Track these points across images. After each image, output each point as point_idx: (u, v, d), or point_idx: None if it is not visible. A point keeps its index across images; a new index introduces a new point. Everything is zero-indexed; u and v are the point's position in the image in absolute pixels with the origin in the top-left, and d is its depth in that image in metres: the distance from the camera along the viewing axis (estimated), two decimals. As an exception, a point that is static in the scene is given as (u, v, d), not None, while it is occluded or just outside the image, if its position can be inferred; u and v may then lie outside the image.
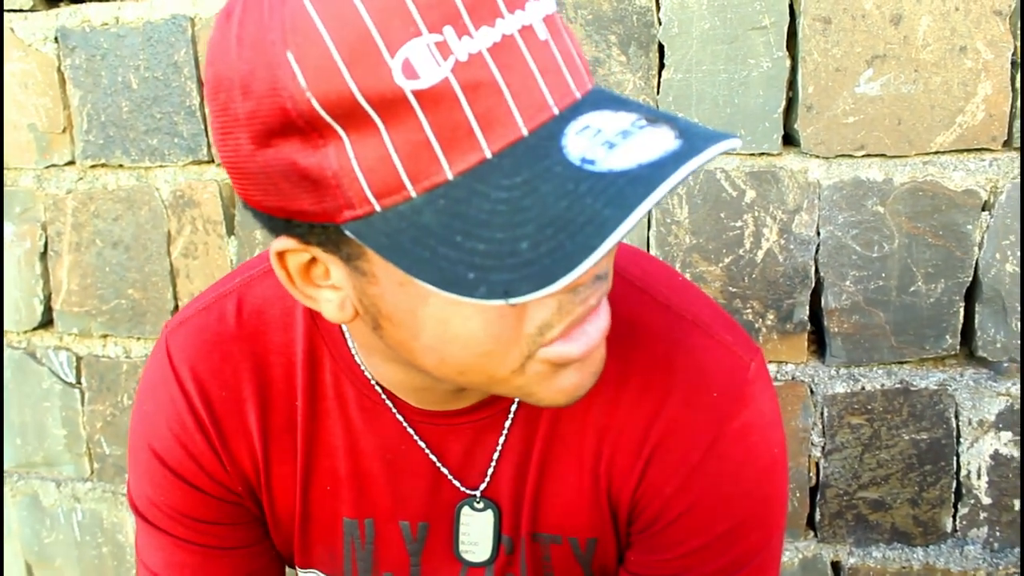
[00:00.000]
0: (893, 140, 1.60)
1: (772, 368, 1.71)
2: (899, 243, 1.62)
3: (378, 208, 0.61)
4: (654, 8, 1.63)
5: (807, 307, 1.68)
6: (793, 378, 1.71)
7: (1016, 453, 1.66)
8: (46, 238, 2.00)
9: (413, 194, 0.60)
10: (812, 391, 1.71)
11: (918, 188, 1.60)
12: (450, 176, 0.59)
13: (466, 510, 0.88)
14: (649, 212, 1.66)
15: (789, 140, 1.65)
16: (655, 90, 1.65)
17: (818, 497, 1.75)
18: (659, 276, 0.87)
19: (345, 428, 0.88)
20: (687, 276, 1.68)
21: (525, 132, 0.59)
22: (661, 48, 1.64)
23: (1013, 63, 1.55)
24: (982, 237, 1.61)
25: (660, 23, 1.63)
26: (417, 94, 0.57)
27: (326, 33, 0.57)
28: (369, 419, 0.88)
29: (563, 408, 0.82)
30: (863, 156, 1.61)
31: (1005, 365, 1.64)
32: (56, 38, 1.88)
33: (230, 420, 0.89)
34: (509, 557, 0.89)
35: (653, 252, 1.70)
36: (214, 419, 0.89)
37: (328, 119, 0.59)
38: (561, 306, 0.67)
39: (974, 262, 1.62)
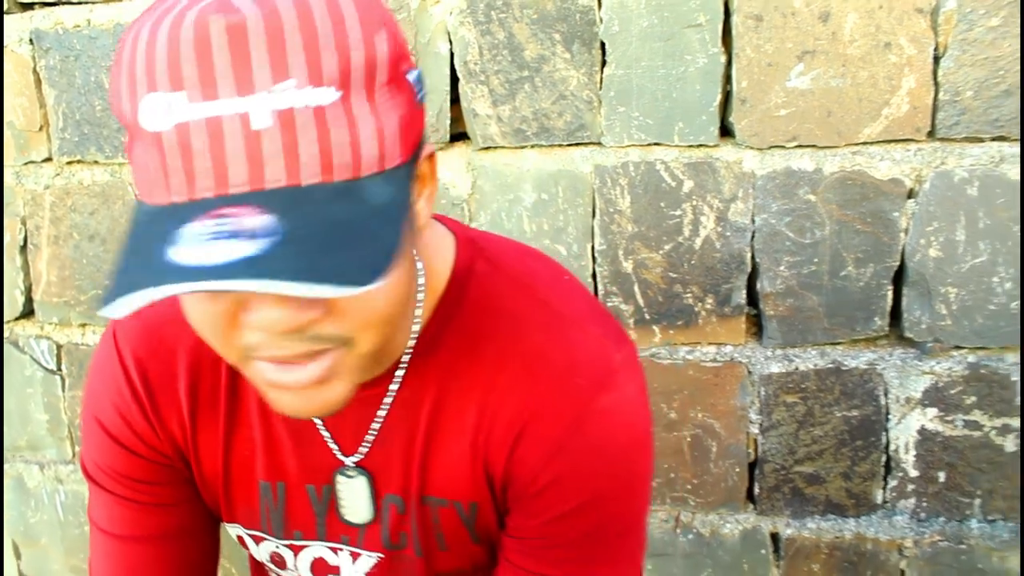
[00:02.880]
0: (823, 131, 1.57)
1: (712, 349, 1.69)
2: (830, 230, 1.60)
3: (144, 202, 0.65)
4: (596, 7, 1.60)
5: (744, 291, 1.65)
6: (732, 359, 1.68)
7: (941, 428, 1.64)
8: (26, 232, 1.96)
9: (145, 200, 0.65)
10: (750, 371, 1.68)
11: (847, 177, 1.58)
12: (150, 201, 0.64)
13: (340, 477, 0.91)
14: (594, 201, 1.63)
15: (725, 132, 1.62)
16: (598, 85, 1.62)
17: (756, 472, 1.72)
18: (543, 276, 0.89)
19: (259, 400, 0.90)
20: (630, 262, 1.65)
21: (192, 197, 0.61)
22: (603, 45, 1.61)
23: (935, 58, 1.52)
24: (908, 224, 1.58)
25: (601, 21, 1.60)
26: (144, 133, 0.62)
27: (124, 64, 0.63)
28: None
29: (449, 389, 0.85)
30: (795, 147, 1.59)
31: (929, 345, 1.61)
32: (31, 40, 1.84)
33: (163, 394, 0.92)
34: (401, 517, 0.91)
35: (598, 240, 1.67)
36: (149, 393, 0.92)
37: (124, 126, 0.65)
38: (260, 341, 0.68)
39: (901, 247, 1.59)
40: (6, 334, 2.04)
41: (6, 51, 1.86)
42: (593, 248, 1.68)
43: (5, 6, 1.83)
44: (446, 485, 0.88)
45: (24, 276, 1.99)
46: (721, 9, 1.56)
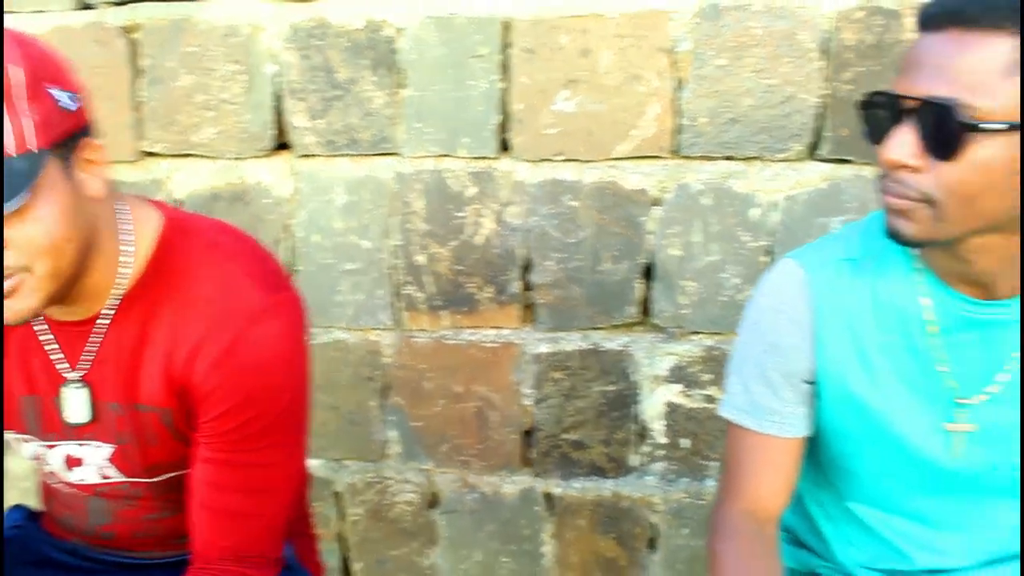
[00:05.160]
0: (584, 148, 1.74)
1: (492, 332, 1.84)
2: (590, 231, 1.77)
3: None
4: (397, 38, 1.75)
5: (518, 282, 1.81)
6: (508, 341, 1.84)
7: (684, 402, 1.81)
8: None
9: None
10: (523, 351, 1.84)
11: (604, 187, 1.75)
12: None
13: (67, 389, 1.11)
14: (393, 203, 1.78)
15: (504, 147, 1.78)
16: (398, 105, 1.78)
17: (531, 439, 1.87)
18: (225, 245, 1.11)
19: (19, 332, 1.11)
20: (423, 256, 1.80)
21: None
22: (403, 71, 1.77)
23: (676, 89, 1.70)
24: (654, 227, 1.76)
25: (401, 50, 1.75)
26: None
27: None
28: (34, 326, 1.11)
29: (149, 325, 1.07)
30: (561, 160, 1.75)
31: (672, 330, 1.79)
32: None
33: None
34: (121, 419, 1.11)
35: (396, 236, 1.81)
36: None
37: None
38: None
39: (648, 247, 1.77)
40: None
41: None
42: (392, 244, 1.83)
43: None
44: (150, 396, 1.09)
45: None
46: (500, 43, 1.73)
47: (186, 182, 1.90)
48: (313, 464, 1.95)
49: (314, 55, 1.78)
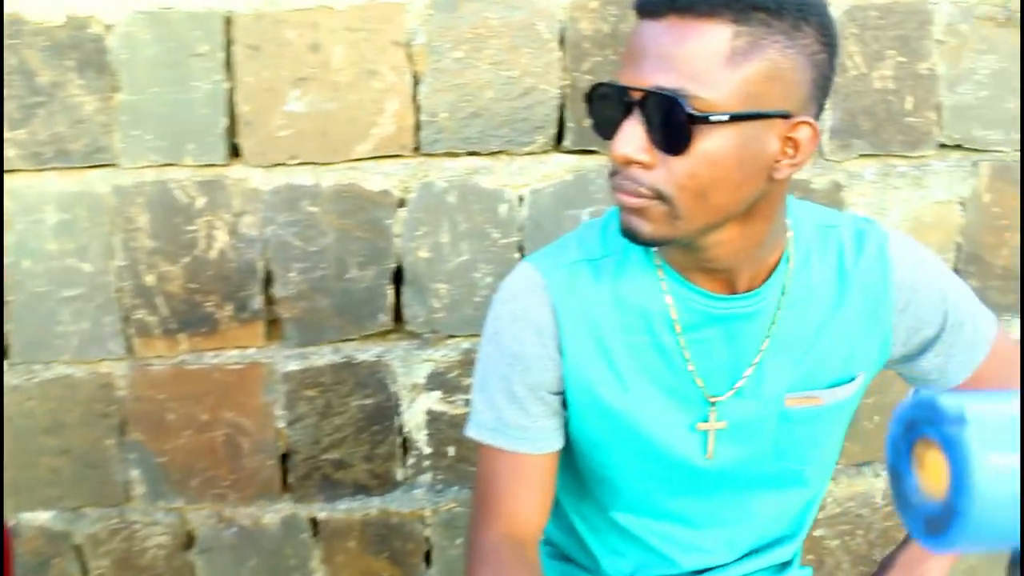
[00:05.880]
0: (320, 150, 1.61)
1: (235, 353, 1.68)
2: (333, 238, 1.64)
3: None
4: (105, 35, 1.56)
5: (260, 297, 1.66)
6: (254, 361, 1.69)
7: (445, 408, 1.72)
8: None
9: None
10: (272, 371, 1.69)
11: (343, 190, 1.63)
12: None
13: None
14: (114, 220, 1.59)
15: (235, 152, 1.62)
16: (112, 110, 1.59)
17: (288, 463, 1.73)
18: None
19: None
20: (152, 276, 1.63)
21: None
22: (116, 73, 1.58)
23: (414, 84, 1.60)
24: (400, 229, 1.66)
25: (111, 50, 1.57)
26: None
27: None
28: None
29: None
30: (297, 164, 1.62)
31: (427, 336, 1.69)
32: None
33: None
34: None
35: (119, 255, 1.62)
36: None
37: None
38: None
39: (396, 251, 1.66)
40: None
41: None
42: (117, 264, 1.64)
43: None
44: None
45: None
46: (221, 39, 1.57)
47: None
48: (45, 517, 1.73)
49: (8, 56, 1.57)
